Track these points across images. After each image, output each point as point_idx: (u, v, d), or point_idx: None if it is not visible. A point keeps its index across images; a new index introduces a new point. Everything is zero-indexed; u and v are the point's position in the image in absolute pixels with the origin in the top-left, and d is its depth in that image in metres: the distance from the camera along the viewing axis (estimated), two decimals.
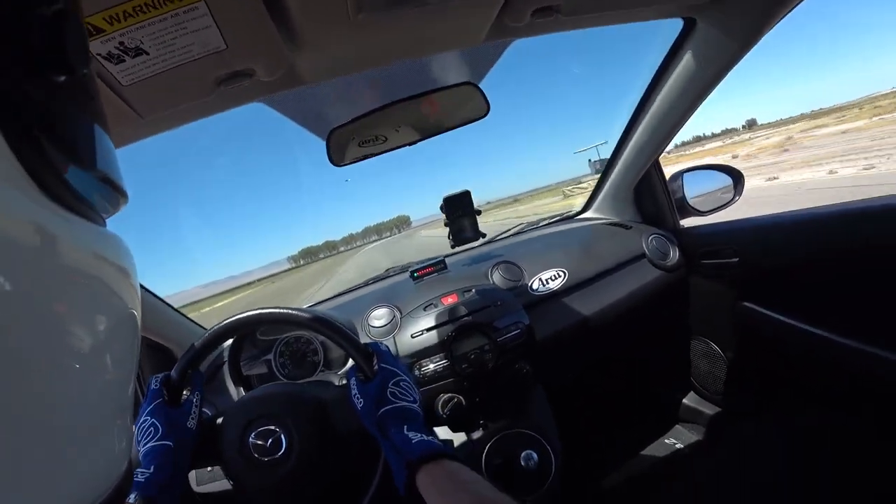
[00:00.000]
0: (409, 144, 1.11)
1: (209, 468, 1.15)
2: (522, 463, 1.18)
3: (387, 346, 0.88)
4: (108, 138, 0.34)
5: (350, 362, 1.08)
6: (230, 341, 1.27)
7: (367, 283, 1.72)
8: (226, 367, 1.29)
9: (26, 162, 0.22)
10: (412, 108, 1.06)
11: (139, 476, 0.70)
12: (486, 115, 1.09)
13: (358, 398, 0.78)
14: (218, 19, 0.68)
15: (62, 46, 0.25)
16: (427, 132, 1.10)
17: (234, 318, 0.88)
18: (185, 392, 0.86)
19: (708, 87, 1.26)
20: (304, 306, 1.57)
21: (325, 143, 1.05)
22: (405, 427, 0.72)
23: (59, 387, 0.23)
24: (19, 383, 0.20)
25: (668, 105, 1.36)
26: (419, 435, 0.70)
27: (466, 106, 1.08)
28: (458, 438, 1.30)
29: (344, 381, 1.21)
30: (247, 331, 1.27)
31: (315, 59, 0.89)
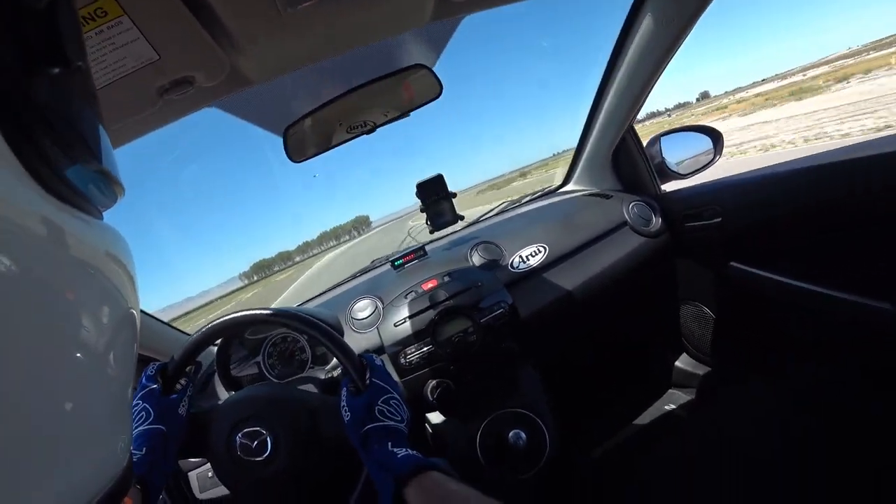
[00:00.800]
0: (367, 132, 1.11)
1: (210, 474, 1.19)
2: (511, 441, 1.20)
3: (381, 361, 0.88)
4: (104, 130, 0.34)
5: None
6: (217, 348, 1.29)
7: (353, 277, 1.74)
8: (216, 376, 1.32)
9: (21, 154, 0.22)
10: (365, 96, 1.06)
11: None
12: (439, 95, 1.09)
13: (346, 410, 0.79)
14: (144, 31, 0.69)
15: (57, 38, 0.26)
16: (383, 118, 1.10)
17: (231, 317, 0.90)
18: (178, 383, 0.89)
19: (671, 47, 1.24)
20: (295, 305, 1.59)
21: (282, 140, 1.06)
22: (389, 444, 0.72)
23: (49, 379, 0.23)
24: (12, 377, 0.20)
25: (634, 68, 1.34)
26: (404, 450, 0.71)
27: (419, 88, 1.08)
28: (452, 423, 1.32)
29: (331, 375, 1.23)
30: (239, 331, 1.29)
31: (256, 58, 0.90)
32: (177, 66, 0.80)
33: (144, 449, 0.74)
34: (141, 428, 0.77)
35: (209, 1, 0.70)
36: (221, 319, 0.90)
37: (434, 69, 1.13)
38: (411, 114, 1.12)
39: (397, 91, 1.07)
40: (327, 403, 0.90)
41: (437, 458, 1.20)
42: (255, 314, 0.90)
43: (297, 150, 1.08)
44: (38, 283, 0.22)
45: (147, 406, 0.80)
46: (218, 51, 0.81)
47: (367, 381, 0.81)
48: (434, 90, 1.08)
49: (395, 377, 1.21)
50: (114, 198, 0.36)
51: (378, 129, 1.17)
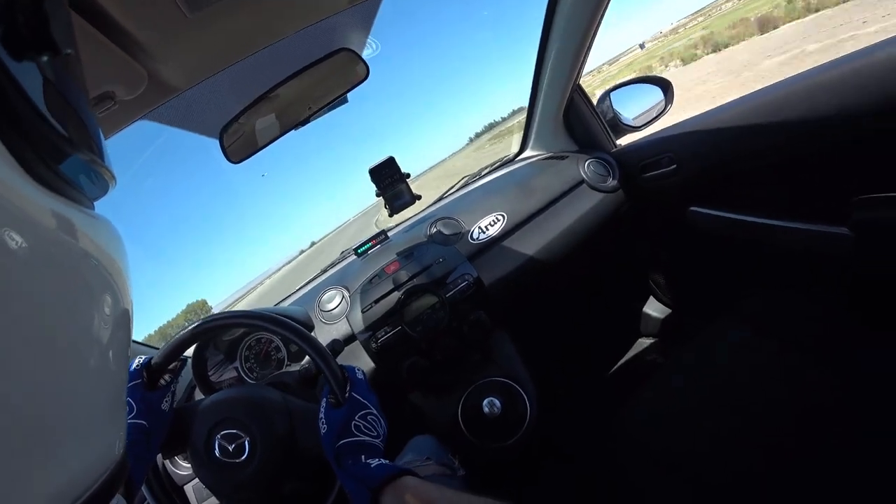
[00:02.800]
0: (302, 125, 1.14)
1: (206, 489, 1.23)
2: (487, 411, 1.23)
3: (363, 375, 0.90)
4: (94, 119, 0.34)
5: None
6: (192, 355, 1.32)
7: (323, 272, 1.76)
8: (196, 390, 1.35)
9: (10, 143, 0.23)
10: (294, 87, 1.08)
11: None
12: (366, 77, 1.11)
13: (323, 423, 0.82)
14: None
15: (45, 24, 0.26)
16: (314, 107, 1.13)
17: (216, 317, 0.93)
18: (163, 378, 0.91)
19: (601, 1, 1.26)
20: (271, 305, 1.62)
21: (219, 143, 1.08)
22: (362, 456, 0.74)
23: (45, 371, 0.23)
24: (7, 370, 0.20)
25: (569, 26, 1.36)
26: (377, 460, 0.74)
27: (347, 72, 1.10)
28: (432, 400, 1.36)
29: (305, 367, 1.26)
30: (217, 335, 1.33)
31: (175, 64, 0.91)
32: (93, 83, 0.82)
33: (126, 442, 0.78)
34: None
35: (112, 14, 0.71)
36: (201, 320, 0.92)
37: (365, 50, 1.15)
38: (361, 101, 1.14)
39: (326, 78, 1.10)
40: (307, 409, 0.93)
41: (429, 435, 1.25)
42: (235, 318, 0.93)
43: (235, 152, 1.11)
44: (30, 274, 0.22)
45: (130, 400, 0.82)
46: (132, 62, 0.83)
47: (347, 395, 0.83)
48: (361, 73, 1.10)
49: (370, 370, 1.23)
50: (105, 187, 0.36)
51: (322, 120, 1.20)
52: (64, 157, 0.29)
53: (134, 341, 1.48)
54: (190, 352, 1.31)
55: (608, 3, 1.28)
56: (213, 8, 0.81)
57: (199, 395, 1.38)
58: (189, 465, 1.27)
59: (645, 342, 1.77)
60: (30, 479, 0.22)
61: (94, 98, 0.85)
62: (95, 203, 0.35)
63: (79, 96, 0.33)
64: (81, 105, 0.33)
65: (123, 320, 0.32)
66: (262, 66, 1.11)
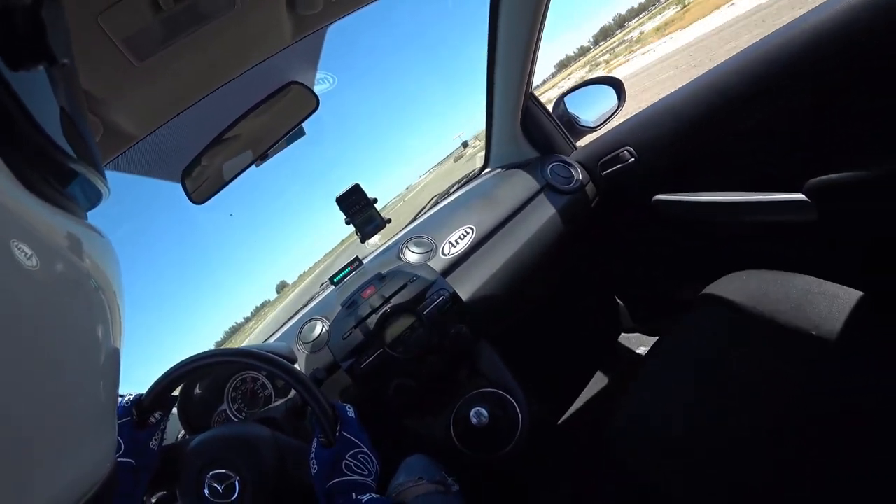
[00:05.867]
0: (262, 160, 1.18)
1: None
2: (474, 421, 1.24)
3: (354, 413, 0.92)
4: (90, 129, 0.36)
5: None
6: (178, 398, 1.32)
7: (304, 305, 1.78)
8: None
9: (3, 151, 0.23)
10: (250, 124, 1.13)
11: None
12: (316, 107, 1.17)
13: (314, 463, 0.84)
14: None
15: (42, 34, 0.26)
16: (269, 141, 1.17)
17: (201, 356, 0.93)
18: (153, 416, 0.91)
19: (538, 7, 1.33)
20: (258, 342, 1.63)
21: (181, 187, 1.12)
22: (353, 494, 0.76)
23: (34, 382, 0.23)
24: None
25: (511, 37, 1.44)
26: (367, 495, 0.76)
27: (297, 105, 1.16)
28: (424, 419, 1.37)
29: (293, 402, 1.27)
30: (206, 373, 1.33)
31: (128, 112, 0.96)
32: None
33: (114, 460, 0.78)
34: None
35: None
36: (187, 360, 0.93)
37: (320, 85, 1.21)
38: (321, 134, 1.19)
39: (278, 113, 1.15)
40: (297, 448, 0.95)
41: (420, 454, 1.25)
42: (219, 357, 0.94)
43: (197, 193, 1.14)
44: (22, 283, 0.22)
45: (119, 439, 0.83)
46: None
47: (337, 434, 0.85)
48: (311, 104, 1.16)
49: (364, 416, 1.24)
50: (98, 198, 0.36)
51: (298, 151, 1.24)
52: (59, 168, 0.29)
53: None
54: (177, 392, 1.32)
55: (545, 13, 1.36)
56: (158, 56, 0.86)
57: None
58: None
59: (628, 337, 1.80)
60: (20, 494, 0.22)
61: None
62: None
63: (76, 107, 0.33)
64: (78, 115, 0.33)
65: (112, 328, 0.32)
66: (217, 107, 1.15)
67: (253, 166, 1.21)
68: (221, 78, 1.05)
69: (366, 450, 0.85)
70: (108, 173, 1.08)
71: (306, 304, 1.78)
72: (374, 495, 0.76)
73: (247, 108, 1.14)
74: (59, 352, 0.25)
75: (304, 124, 1.25)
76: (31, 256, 0.22)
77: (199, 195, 1.15)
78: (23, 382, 0.22)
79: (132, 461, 0.82)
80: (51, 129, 0.28)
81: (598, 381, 1.69)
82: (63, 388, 0.26)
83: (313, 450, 0.86)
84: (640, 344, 1.72)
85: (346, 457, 0.82)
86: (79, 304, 0.28)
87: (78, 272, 0.28)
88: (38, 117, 0.26)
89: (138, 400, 0.90)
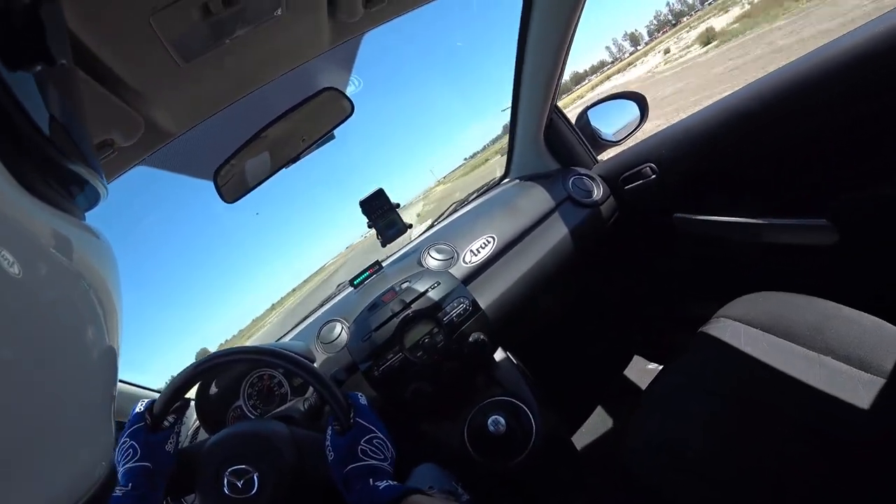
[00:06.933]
0: (292, 162, 1.20)
1: None
2: (492, 429, 1.25)
3: (367, 401, 0.93)
4: (87, 131, 0.35)
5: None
6: (195, 395, 1.34)
7: (321, 305, 1.79)
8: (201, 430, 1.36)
9: (2, 151, 0.23)
10: (284, 127, 1.15)
11: (117, 492, 0.77)
12: (351, 113, 1.19)
13: (330, 450, 0.85)
14: None
15: (41, 35, 0.26)
16: (303, 145, 1.19)
17: (216, 356, 0.94)
18: (167, 419, 0.91)
19: (569, 23, 1.34)
20: (271, 342, 1.64)
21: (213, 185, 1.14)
22: (370, 480, 0.77)
23: (28, 384, 0.23)
24: None
25: (540, 50, 1.46)
26: (385, 482, 0.76)
27: (332, 110, 1.18)
28: (439, 424, 1.38)
29: (310, 403, 1.28)
30: (220, 371, 1.34)
31: (169, 111, 0.98)
32: (93, 131, 0.88)
33: (131, 485, 0.78)
34: (128, 465, 0.81)
35: (109, 65, 0.78)
36: (201, 360, 0.93)
37: (354, 86, 1.23)
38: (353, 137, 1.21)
39: (312, 117, 1.16)
40: (313, 439, 0.95)
41: (430, 463, 1.26)
42: (234, 355, 0.94)
43: (229, 192, 1.16)
44: (17, 281, 0.22)
45: (134, 443, 0.84)
46: (130, 111, 0.89)
47: (352, 421, 0.86)
48: (346, 110, 1.18)
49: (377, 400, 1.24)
50: (97, 198, 0.36)
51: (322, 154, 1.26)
52: (56, 168, 0.29)
53: (135, 385, 1.50)
54: (193, 392, 1.33)
55: (576, 27, 1.37)
56: (203, 58, 0.88)
57: (203, 435, 1.39)
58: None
59: (643, 352, 1.80)
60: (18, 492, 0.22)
61: (94, 146, 0.91)
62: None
63: (74, 107, 0.33)
64: (76, 116, 0.33)
65: (106, 329, 0.32)
66: (252, 109, 1.17)
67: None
68: (259, 81, 1.07)
69: (381, 435, 0.86)
70: (140, 169, 1.11)
71: (322, 305, 1.79)
72: (390, 482, 0.77)
73: (279, 110, 1.16)
74: (45, 352, 0.25)
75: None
76: (13, 264, 0.22)
77: (230, 194, 1.17)
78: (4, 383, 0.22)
79: (148, 465, 0.83)
80: (48, 129, 0.27)
81: (612, 397, 1.69)
82: (49, 388, 0.25)
83: (329, 437, 0.87)
84: (655, 361, 1.72)
85: (362, 442, 0.83)
86: (65, 305, 0.27)
87: (64, 274, 0.27)
88: (36, 117, 0.26)
89: (151, 405, 0.91)
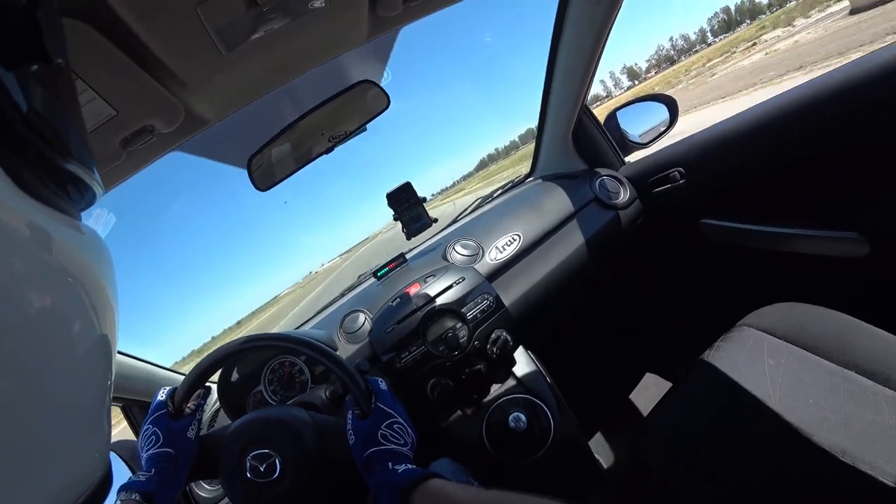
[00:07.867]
0: (326, 153, 1.20)
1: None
2: (513, 426, 1.26)
3: (387, 385, 0.94)
4: (84, 130, 0.36)
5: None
6: (217, 381, 1.36)
7: (342, 294, 1.81)
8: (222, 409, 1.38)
9: None
10: (319, 117, 1.15)
11: (140, 477, 0.80)
12: (387, 106, 1.19)
13: (351, 434, 0.86)
14: (99, 90, 0.78)
15: (37, 34, 0.26)
16: (338, 136, 1.20)
17: (237, 343, 0.95)
18: (188, 406, 0.94)
19: (606, 23, 1.33)
20: (292, 329, 1.66)
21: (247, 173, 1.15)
22: (390, 463, 0.77)
23: (21, 385, 0.23)
24: None
25: (574, 50, 1.44)
26: (404, 465, 0.77)
27: (368, 102, 1.18)
28: (458, 419, 1.38)
29: (333, 389, 1.29)
30: (241, 357, 1.35)
31: (208, 99, 0.99)
32: (135, 117, 0.89)
33: (154, 470, 0.81)
34: (151, 451, 0.84)
35: (155, 52, 0.79)
36: (225, 345, 0.95)
37: (384, 79, 1.22)
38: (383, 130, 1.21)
39: (348, 108, 1.17)
40: (334, 423, 0.96)
41: (446, 458, 1.27)
42: (256, 342, 0.96)
43: (262, 180, 1.17)
44: (10, 280, 0.22)
45: (157, 430, 0.86)
46: (171, 97, 0.90)
47: (372, 406, 0.87)
48: (382, 102, 1.18)
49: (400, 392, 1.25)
50: (93, 198, 0.36)
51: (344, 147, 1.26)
52: (51, 167, 0.29)
53: (163, 367, 1.52)
54: (215, 377, 1.35)
55: (611, 28, 1.35)
56: (244, 47, 0.88)
57: (221, 421, 1.41)
58: (209, 487, 1.29)
59: (663, 358, 1.79)
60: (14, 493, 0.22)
61: (133, 133, 0.92)
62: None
63: (68, 107, 0.33)
64: (71, 116, 0.33)
65: (101, 339, 0.32)
66: (287, 98, 1.18)
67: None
68: (297, 72, 1.07)
69: (401, 420, 0.87)
70: (175, 154, 1.12)
71: (344, 294, 1.80)
72: (409, 465, 0.77)
73: (316, 101, 1.16)
74: (32, 351, 0.24)
75: None
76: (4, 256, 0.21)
77: (263, 182, 1.17)
78: None
79: (171, 451, 0.85)
80: (43, 128, 0.27)
81: (632, 401, 1.68)
82: (30, 385, 0.25)
83: (350, 422, 0.87)
84: (677, 366, 1.70)
85: (382, 427, 0.83)
86: (53, 304, 0.26)
87: (44, 269, 0.26)
88: (31, 116, 0.26)
89: (172, 392, 0.93)
